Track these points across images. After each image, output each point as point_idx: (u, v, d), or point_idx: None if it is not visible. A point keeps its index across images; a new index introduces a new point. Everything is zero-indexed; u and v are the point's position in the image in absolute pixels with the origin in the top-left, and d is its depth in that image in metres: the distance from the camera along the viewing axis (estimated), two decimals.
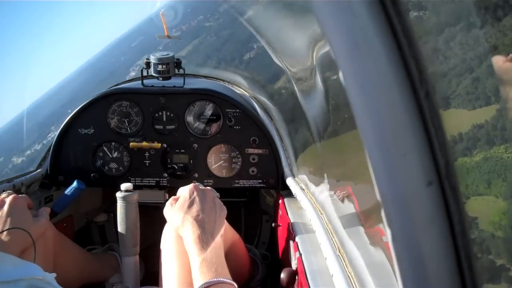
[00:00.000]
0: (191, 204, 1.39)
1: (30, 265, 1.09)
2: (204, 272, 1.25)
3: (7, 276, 0.95)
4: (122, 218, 1.71)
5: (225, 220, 1.49)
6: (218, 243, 1.34)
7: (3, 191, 1.67)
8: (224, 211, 1.45)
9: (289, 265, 1.70)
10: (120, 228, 1.72)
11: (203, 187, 1.49)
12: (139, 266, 2.12)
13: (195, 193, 1.42)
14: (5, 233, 1.44)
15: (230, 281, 1.24)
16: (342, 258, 1.21)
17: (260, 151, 2.10)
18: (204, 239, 1.31)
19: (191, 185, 1.46)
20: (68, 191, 1.99)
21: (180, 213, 1.37)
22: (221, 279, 1.23)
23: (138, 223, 1.75)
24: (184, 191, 1.45)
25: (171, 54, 2.02)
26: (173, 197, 1.48)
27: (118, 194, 1.71)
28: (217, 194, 1.53)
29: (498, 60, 0.63)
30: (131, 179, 2.13)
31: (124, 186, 1.72)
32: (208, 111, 2.09)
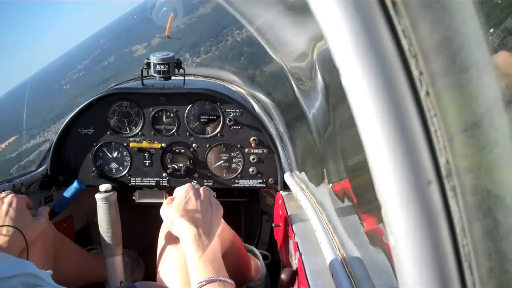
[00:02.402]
0: (187, 204, 1.39)
1: (24, 262, 1.08)
2: (201, 271, 1.25)
3: None
4: (103, 219, 1.69)
5: (223, 220, 1.49)
6: (214, 242, 1.34)
7: (3, 191, 1.67)
8: (220, 210, 1.46)
9: (289, 265, 1.70)
10: (102, 229, 1.70)
11: (199, 187, 1.49)
12: (139, 266, 2.13)
13: (190, 193, 1.42)
14: (3, 233, 1.44)
15: (227, 279, 1.24)
16: (342, 258, 1.21)
17: (260, 151, 2.10)
18: (201, 238, 1.31)
19: (186, 185, 1.46)
20: (68, 191, 2.00)
21: (176, 213, 1.38)
22: (218, 277, 1.23)
23: (119, 223, 1.74)
24: (180, 191, 1.45)
25: (171, 54, 2.02)
26: (169, 197, 1.48)
27: (98, 196, 1.70)
28: (214, 193, 1.53)
29: (502, 56, 0.62)
30: (131, 179, 2.14)
31: (103, 186, 1.71)
32: (208, 111, 2.09)
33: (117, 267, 1.74)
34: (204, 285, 1.21)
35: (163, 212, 1.42)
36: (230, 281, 1.25)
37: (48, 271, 1.08)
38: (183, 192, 1.44)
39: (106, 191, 1.70)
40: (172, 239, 1.44)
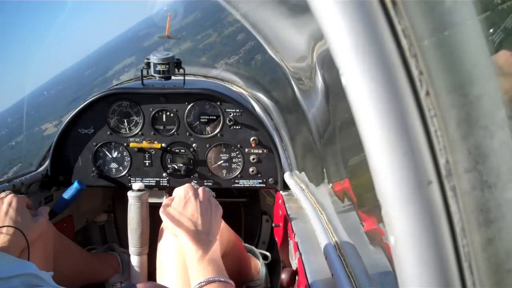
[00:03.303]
0: (186, 204, 1.39)
1: (25, 262, 1.08)
2: (200, 271, 1.25)
3: (0, 273, 0.94)
4: (133, 218, 1.71)
5: (223, 220, 1.49)
6: (214, 242, 1.34)
7: (3, 191, 1.67)
8: (219, 211, 1.46)
9: (289, 265, 1.70)
10: (131, 227, 1.73)
11: (198, 187, 1.49)
12: None
13: (190, 193, 1.42)
14: (3, 233, 1.44)
15: (226, 279, 1.24)
16: (342, 258, 1.21)
17: (260, 151, 2.10)
18: (200, 239, 1.32)
19: (186, 185, 1.47)
20: (68, 191, 2.00)
21: (175, 213, 1.38)
22: (217, 278, 1.23)
23: (148, 223, 1.75)
24: (179, 192, 1.46)
25: (171, 54, 2.02)
26: (169, 197, 1.48)
27: (130, 194, 1.72)
28: (213, 193, 1.53)
29: (502, 55, 0.62)
30: (131, 179, 2.14)
31: (137, 185, 1.73)
32: (208, 111, 2.09)
33: (142, 266, 1.77)
34: (204, 285, 1.21)
35: (163, 212, 1.42)
36: (230, 281, 1.25)
37: (49, 272, 1.08)
38: (182, 192, 1.44)
39: (139, 190, 1.72)
40: (172, 239, 1.44)
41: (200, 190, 1.46)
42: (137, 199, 1.71)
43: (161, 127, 2.11)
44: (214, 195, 1.53)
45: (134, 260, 1.76)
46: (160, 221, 1.48)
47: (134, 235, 1.72)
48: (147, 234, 1.75)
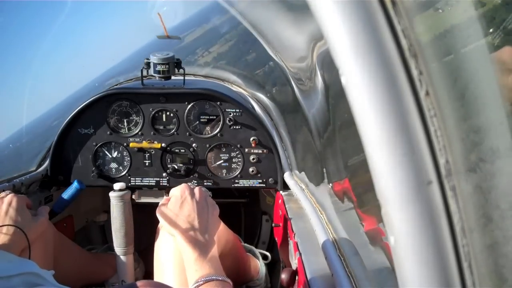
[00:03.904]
0: (182, 204, 1.39)
1: (26, 261, 1.08)
2: (198, 270, 1.25)
3: (1, 272, 0.94)
4: (116, 217, 1.72)
5: (221, 220, 1.49)
6: (211, 242, 1.35)
7: (3, 191, 1.67)
8: (216, 210, 1.46)
9: (289, 265, 1.70)
10: (114, 227, 1.73)
11: (194, 187, 1.49)
12: (139, 265, 2.13)
13: (186, 193, 1.42)
14: (3, 232, 1.44)
15: (224, 278, 1.24)
16: (342, 258, 1.21)
17: (260, 151, 2.10)
18: (197, 238, 1.32)
19: (182, 185, 1.47)
20: (68, 191, 2.00)
21: (172, 213, 1.38)
22: (215, 277, 1.23)
23: (132, 222, 1.76)
24: (175, 192, 1.46)
25: (171, 54, 2.02)
26: (165, 197, 1.49)
27: (112, 194, 1.73)
28: (209, 193, 1.54)
29: (504, 52, 0.62)
30: (131, 179, 2.14)
31: (118, 185, 1.74)
32: (208, 111, 2.09)
33: (128, 266, 1.77)
34: (201, 284, 1.21)
35: (159, 212, 1.42)
36: (227, 280, 1.25)
37: (50, 271, 1.08)
38: (178, 192, 1.44)
39: (120, 190, 1.73)
40: (169, 239, 1.44)
41: (197, 189, 1.46)
42: (118, 199, 1.71)
43: (161, 127, 2.11)
44: (211, 195, 1.54)
45: (120, 260, 1.77)
46: (158, 222, 1.48)
47: (118, 235, 1.73)
48: (132, 234, 1.76)
